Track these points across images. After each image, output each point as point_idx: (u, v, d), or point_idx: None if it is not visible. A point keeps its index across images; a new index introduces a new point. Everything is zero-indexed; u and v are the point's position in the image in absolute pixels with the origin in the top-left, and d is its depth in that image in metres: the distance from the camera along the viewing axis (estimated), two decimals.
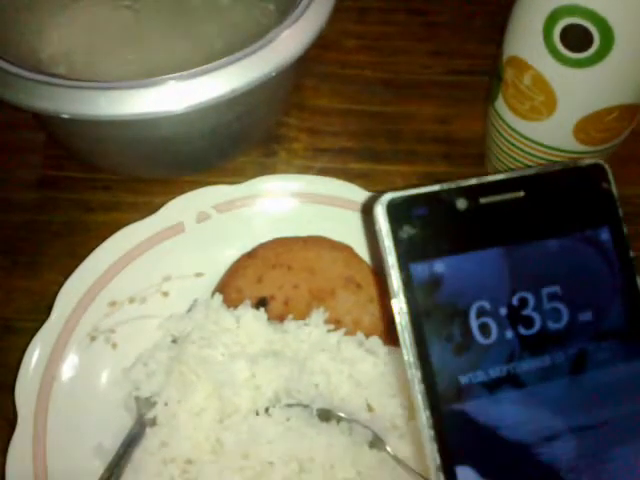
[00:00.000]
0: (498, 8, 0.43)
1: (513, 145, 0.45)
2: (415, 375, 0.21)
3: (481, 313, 0.21)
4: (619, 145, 0.44)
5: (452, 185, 0.22)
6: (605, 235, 0.23)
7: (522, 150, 0.44)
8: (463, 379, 0.21)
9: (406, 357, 0.21)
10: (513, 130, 0.44)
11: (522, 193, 0.22)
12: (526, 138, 0.43)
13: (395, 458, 0.35)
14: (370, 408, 0.37)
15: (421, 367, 0.21)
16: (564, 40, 0.37)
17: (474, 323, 0.21)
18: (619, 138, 0.44)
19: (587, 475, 0.22)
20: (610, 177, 0.24)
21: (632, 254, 0.23)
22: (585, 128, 0.41)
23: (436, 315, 0.21)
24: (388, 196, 0.21)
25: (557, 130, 0.42)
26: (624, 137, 0.44)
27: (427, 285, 0.21)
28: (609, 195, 0.23)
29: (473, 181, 0.22)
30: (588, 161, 0.23)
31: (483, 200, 0.22)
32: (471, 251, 0.22)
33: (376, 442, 0.35)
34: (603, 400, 0.22)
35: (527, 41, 0.39)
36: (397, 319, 0.21)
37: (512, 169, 0.47)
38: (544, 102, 0.40)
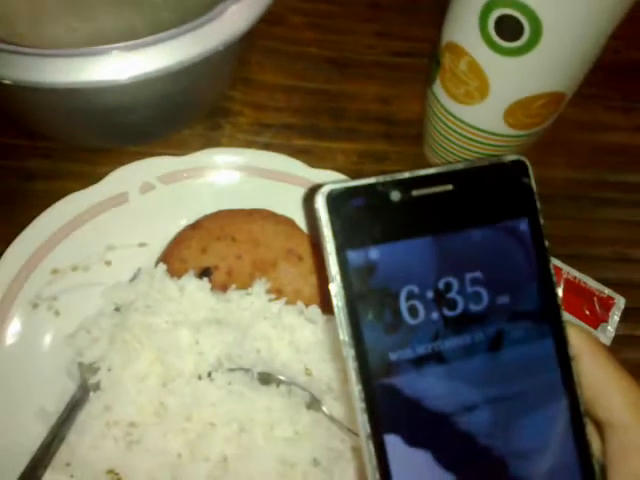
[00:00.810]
0: None
1: (448, 127, 0.47)
2: (349, 353, 0.22)
3: (410, 296, 0.23)
4: (545, 130, 0.47)
5: (387, 178, 0.23)
6: (524, 226, 0.25)
7: (456, 132, 0.47)
8: (393, 356, 0.23)
9: (341, 336, 0.22)
10: (448, 112, 0.46)
11: (451, 186, 0.24)
12: (460, 121, 0.46)
13: (330, 418, 0.37)
14: (308, 372, 0.39)
15: (355, 345, 0.22)
16: (497, 29, 0.39)
17: (404, 305, 0.23)
18: (546, 123, 0.47)
19: (501, 440, 0.24)
20: (530, 172, 0.25)
21: (547, 243, 0.25)
22: (515, 113, 0.44)
23: (369, 298, 0.23)
24: (328, 187, 0.23)
25: (489, 114, 0.44)
26: (550, 123, 0.47)
27: (362, 270, 0.23)
28: (529, 189, 0.25)
29: (406, 175, 0.24)
30: (511, 157, 0.25)
31: (415, 192, 0.24)
32: (403, 239, 0.23)
33: (313, 403, 0.37)
34: (516, 374, 0.25)
35: (464, 29, 0.41)
36: (334, 301, 0.23)
37: (447, 149, 0.49)
38: (478, 87, 0.43)
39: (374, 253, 0.23)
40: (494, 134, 0.45)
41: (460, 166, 0.25)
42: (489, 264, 0.24)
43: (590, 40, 0.39)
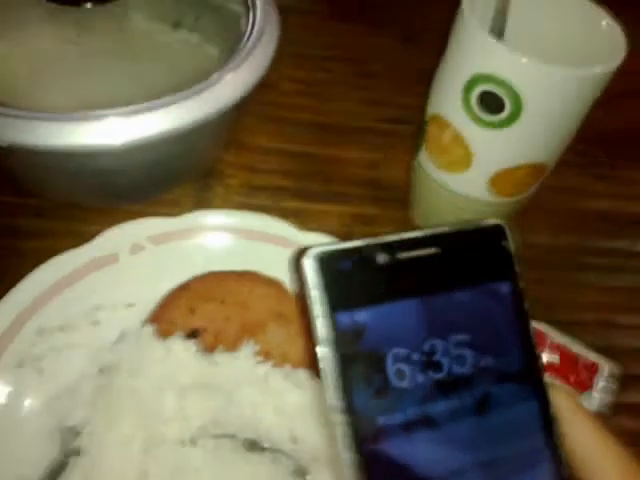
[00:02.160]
0: (428, 64, 0.47)
1: (434, 193, 0.48)
2: (338, 418, 0.22)
3: (397, 359, 0.23)
4: (530, 196, 0.49)
5: (373, 241, 0.24)
6: (505, 288, 0.25)
7: (442, 198, 0.48)
8: (382, 420, 0.22)
9: (330, 401, 0.22)
10: (434, 180, 0.47)
11: (435, 249, 0.24)
12: (445, 188, 0.47)
13: None
14: (295, 439, 0.38)
15: (344, 411, 0.22)
16: (480, 104, 0.41)
17: (391, 368, 0.23)
18: (530, 191, 0.48)
19: None
20: (509, 236, 0.26)
21: (527, 306, 0.26)
22: (499, 182, 0.45)
23: (358, 361, 0.22)
24: (315, 250, 0.23)
25: (473, 182, 0.45)
26: (533, 190, 0.48)
27: (350, 333, 0.22)
28: (508, 253, 0.26)
29: (392, 238, 0.24)
30: (490, 222, 0.26)
31: (401, 255, 0.24)
32: (390, 301, 0.23)
33: (299, 472, 0.37)
34: (504, 437, 0.24)
35: (448, 102, 0.43)
36: (321, 365, 0.22)
37: (433, 214, 0.50)
38: (461, 157, 0.44)
39: (362, 316, 0.23)
40: (479, 201, 0.47)
41: (443, 229, 0.25)
42: (473, 326, 0.25)
43: (570, 115, 0.41)
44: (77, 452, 0.37)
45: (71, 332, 0.42)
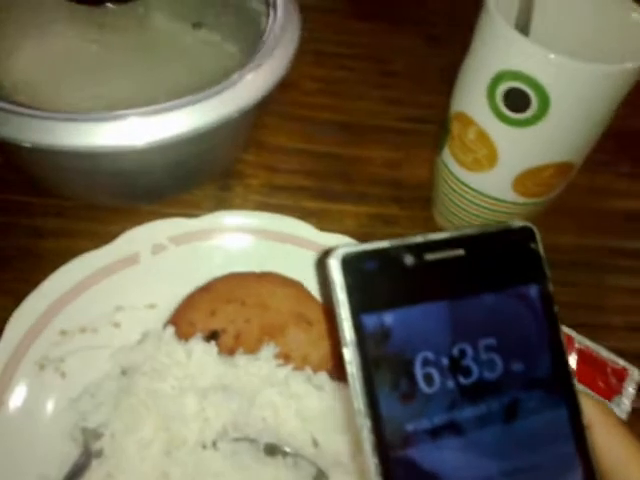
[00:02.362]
0: (450, 62, 0.46)
1: (457, 193, 0.47)
2: (365, 424, 0.21)
3: (426, 363, 0.23)
4: (555, 197, 0.48)
5: (400, 242, 0.23)
6: (534, 292, 0.25)
7: (465, 198, 0.47)
8: (409, 426, 0.22)
9: (356, 405, 0.21)
10: (457, 179, 0.47)
11: (462, 251, 0.24)
12: (469, 187, 0.46)
13: None
14: (316, 443, 0.38)
15: (370, 416, 0.21)
16: (506, 101, 0.40)
17: (419, 373, 0.22)
18: (555, 191, 0.47)
19: None
20: (538, 239, 0.25)
21: (556, 309, 0.25)
22: (524, 182, 0.44)
23: (385, 365, 0.22)
24: (342, 250, 0.22)
25: (497, 182, 0.45)
26: (559, 191, 0.47)
27: (377, 335, 0.22)
28: (537, 255, 0.25)
29: (419, 239, 0.24)
30: (519, 223, 0.25)
31: (427, 257, 0.23)
32: (417, 303, 0.23)
33: (320, 477, 0.36)
34: (532, 445, 0.24)
35: (473, 99, 0.42)
36: (348, 368, 0.22)
37: (456, 214, 0.49)
38: (486, 156, 0.43)
39: (389, 318, 0.22)
40: (503, 201, 0.46)
41: (471, 231, 0.25)
42: (501, 330, 0.24)
43: (598, 113, 0.40)
44: (99, 454, 0.37)
45: (92, 334, 0.42)
